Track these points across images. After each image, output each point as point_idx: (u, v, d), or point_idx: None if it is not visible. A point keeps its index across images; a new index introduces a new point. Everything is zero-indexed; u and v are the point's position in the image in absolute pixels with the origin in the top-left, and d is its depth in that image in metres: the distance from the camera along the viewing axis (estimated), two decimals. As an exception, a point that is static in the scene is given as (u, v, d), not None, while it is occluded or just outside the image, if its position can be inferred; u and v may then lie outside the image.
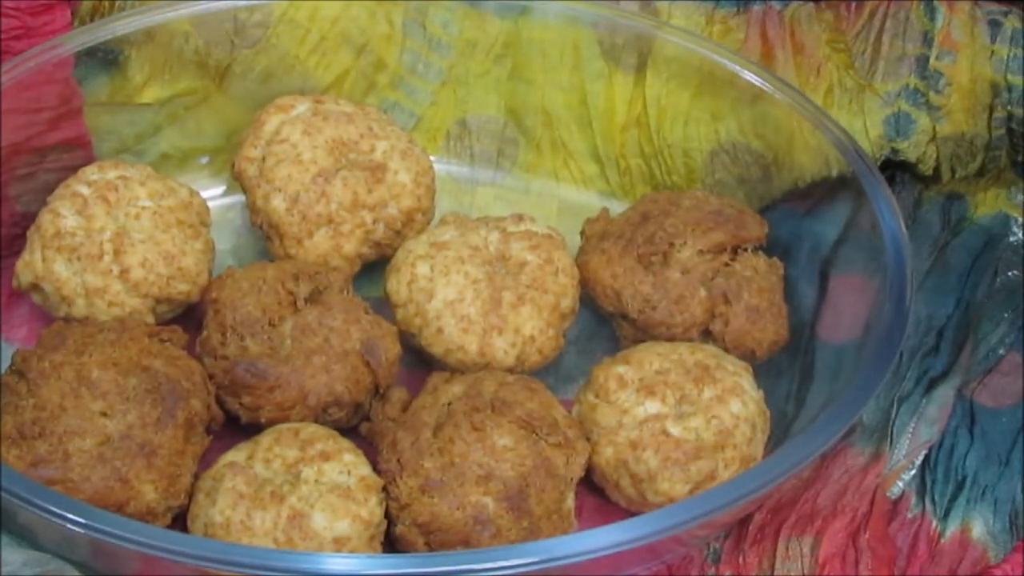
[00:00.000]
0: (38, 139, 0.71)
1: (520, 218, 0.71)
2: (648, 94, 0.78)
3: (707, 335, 0.69)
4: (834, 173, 0.71)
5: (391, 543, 0.59)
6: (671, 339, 0.68)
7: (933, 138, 0.77)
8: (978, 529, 0.62)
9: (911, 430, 0.66)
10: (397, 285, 0.67)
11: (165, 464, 0.58)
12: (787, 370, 0.69)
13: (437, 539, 0.57)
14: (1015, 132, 0.77)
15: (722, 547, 0.61)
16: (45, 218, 0.67)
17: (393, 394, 0.64)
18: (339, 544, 0.55)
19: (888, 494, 0.63)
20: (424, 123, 0.81)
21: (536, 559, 0.51)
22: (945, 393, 0.67)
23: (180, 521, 0.59)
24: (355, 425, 0.64)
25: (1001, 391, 0.68)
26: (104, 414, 0.58)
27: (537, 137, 0.81)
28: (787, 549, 0.60)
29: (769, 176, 0.76)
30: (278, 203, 0.69)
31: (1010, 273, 0.74)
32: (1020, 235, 0.77)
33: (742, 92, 0.75)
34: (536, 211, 0.77)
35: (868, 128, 0.77)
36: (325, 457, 0.58)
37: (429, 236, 0.69)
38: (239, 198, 0.75)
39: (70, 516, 0.50)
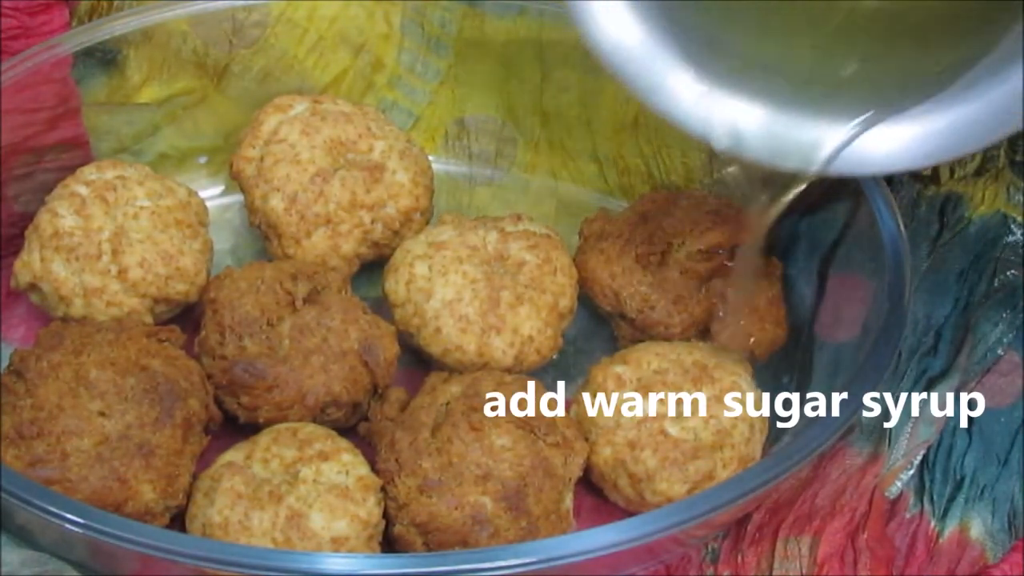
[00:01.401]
0: (36, 139, 0.71)
1: (518, 218, 0.71)
2: (647, 94, 0.78)
3: (705, 335, 0.69)
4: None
5: (389, 543, 0.59)
6: (669, 339, 0.68)
7: (931, 138, 0.77)
8: (976, 529, 0.62)
9: (909, 430, 0.66)
10: (395, 285, 0.67)
11: (163, 464, 0.58)
12: (785, 370, 0.69)
13: (435, 539, 0.57)
14: (1013, 132, 0.77)
15: (720, 547, 0.61)
16: (43, 218, 0.67)
17: (391, 394, 0.64)
18: (337, 544, 0.55)
19: (886, 494, 0.63)
20: (422, 123, 0.81)
21: (534, 559, 0.51)
22: (943, 393, 0.67)
23: (178, 521, 0.59)
24: (353, 425, 0.64)
25: (999, 391, 0.68)
26: (102, 414, 0.58)
27: (535, 137, 0.81)
28: (785, 549, 0.60)
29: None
30: (276, 203, 0.69)
31: (1008, 273, 0.74)
32: (1018, 235, 0.76)
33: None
34: (534, 211, 0.77)
35: (866, 128, 0.77)
36: (323, 457, 0.58)
37: (427, 236, 0.69)
38: (237, 198, 0.75)
39: (68, 516, 0.50)
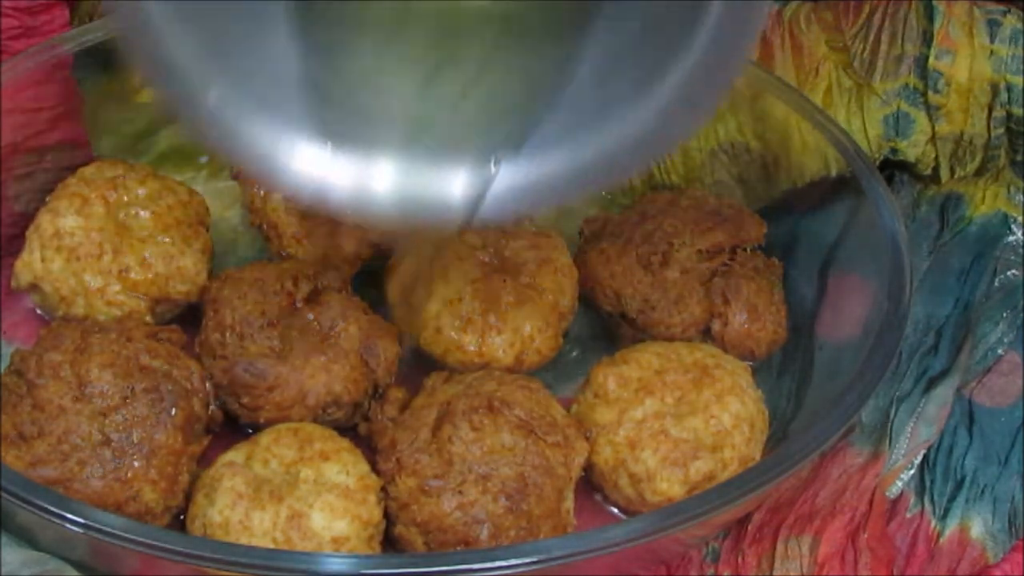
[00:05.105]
0: (37, 139, 0.71)
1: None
2: (647, 93, 0.78)
3: (706, 335, 0.69)
4: (833, 173, 0.71)
5: (390, 543, 0.59)
6: (670, 339, 0.68)
7: (932, 138, 0.77)
8: (977, 529, 0.62)
9: (910, 430, 0.65)
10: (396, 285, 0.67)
11: (164, 464, 0.58)
12: (786, 370, 0.69)
13: (436, 539, 0.57)
14: (1014, 131, 0.77)
15: (721, 547, 0.61)
16: (44, 218, 0.67)
17: (392, 394, 0.64)
18: (338, 544, 0.55)
19: (887, 494, 0.63)
20: (423, 123, 0.81)
21: (535, 559, 0.51)
22: (944, 393, 0.67)
23: (178, 521, 0.59)
24: (354, 425, 0.64)
25: (1000, 391, 0.68)
26: (102, 414, 0.58)
27: (536, 136, 0.81)
28: (786, 549, 0.60)
29: (768, 176, 0.76)
30: (276, 203, 0.69)
31: (1009, 272, 0.74)
32: (1019, 234, 0.77)
33: (741, 92, 0.75)
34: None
35: (867, 127, 0.77)
36: (324, 457, 0.58)
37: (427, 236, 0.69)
38: (237, 198, 0.75)
39: (68, 516, 0.50)
